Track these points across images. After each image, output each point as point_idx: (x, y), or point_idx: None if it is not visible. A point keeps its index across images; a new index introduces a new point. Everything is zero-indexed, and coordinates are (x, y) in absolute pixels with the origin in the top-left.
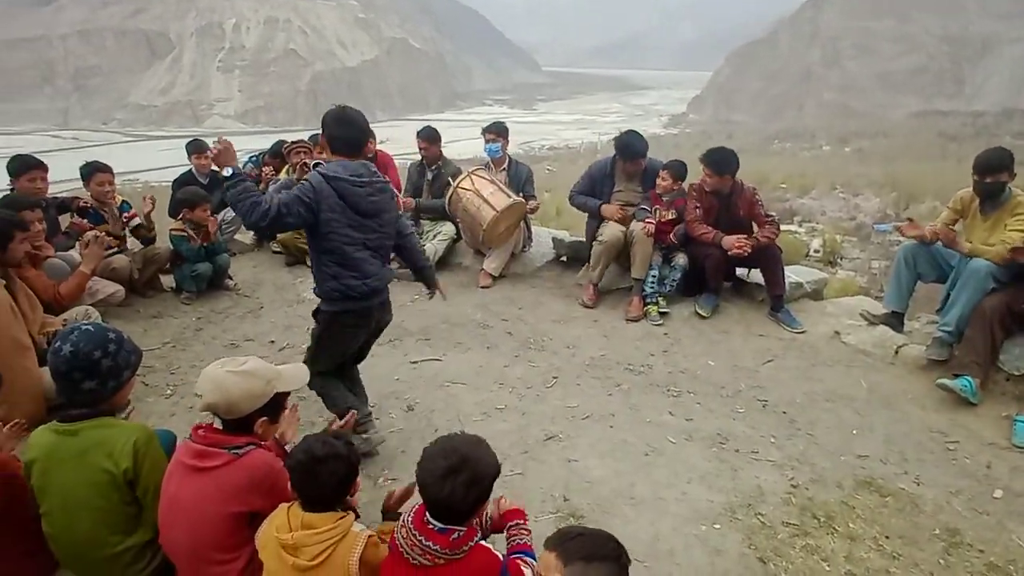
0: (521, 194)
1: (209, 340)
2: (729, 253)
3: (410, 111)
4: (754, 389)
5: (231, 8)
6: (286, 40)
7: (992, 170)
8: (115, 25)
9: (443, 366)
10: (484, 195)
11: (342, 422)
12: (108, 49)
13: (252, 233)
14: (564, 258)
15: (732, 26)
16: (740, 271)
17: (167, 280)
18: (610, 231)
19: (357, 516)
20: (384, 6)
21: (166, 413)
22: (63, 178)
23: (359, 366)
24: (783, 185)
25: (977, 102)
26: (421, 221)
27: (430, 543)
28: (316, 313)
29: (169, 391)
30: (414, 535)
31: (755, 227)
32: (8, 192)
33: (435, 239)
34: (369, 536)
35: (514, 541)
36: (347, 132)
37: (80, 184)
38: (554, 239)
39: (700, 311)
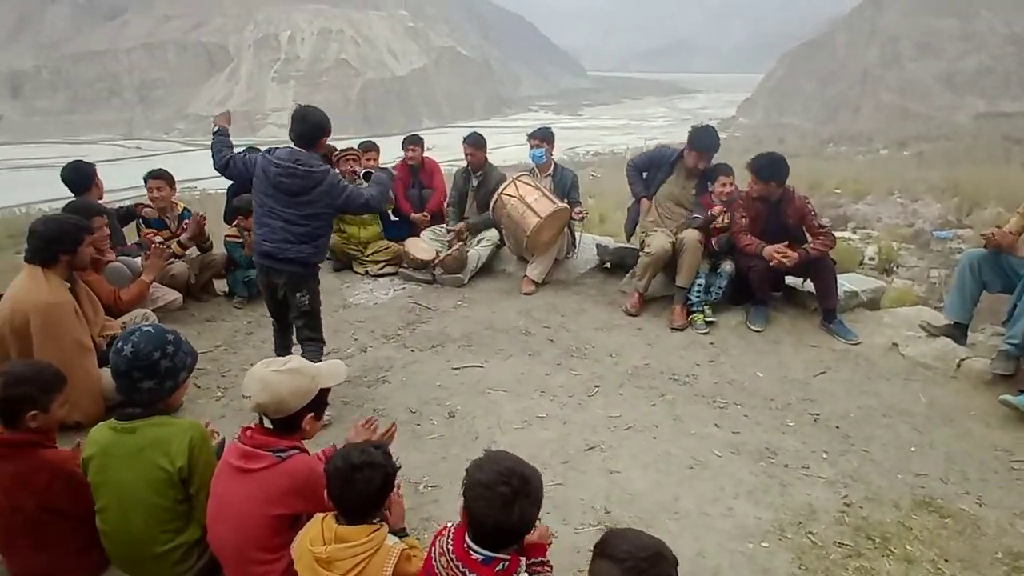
0: (566, 200)
1: (259, 344)
2: (770, 264)
3: (456, 118)
4: (805, 402)
5: (287, 20)
6: (338, 50)
7: None
8: (177, 39)
9: (484, 373)
10: (528, 201)
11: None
12: (170, 62)
13: None
14: (608, 265)
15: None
16: (791, 280)
17: (220, 284)
18: (657, 243)
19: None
20: (434, 15)
21: (216, 415)
22: (126, 186)
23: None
24: (837, 190)
25: None
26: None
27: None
28: None
29: (220, 393)
30: (456, 566)
31: (808, 237)
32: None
33: (479, 245)
34: (402, 550)
35: None
36: (299, 128)
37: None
38: (598, 246)
39: (752, 326)
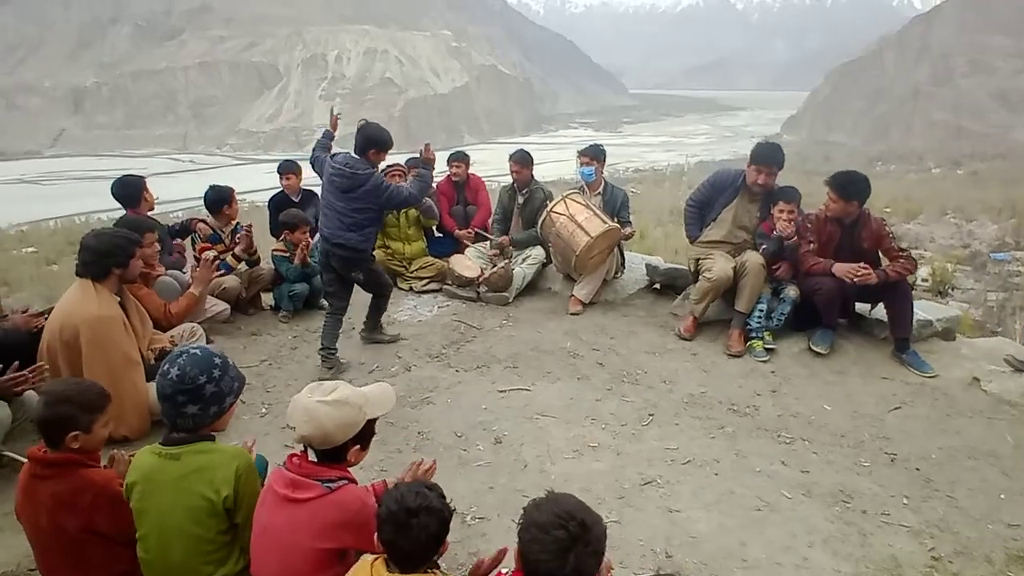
0: (616, 219)
1: (303, 359)
2: (849, 281)
3: (496, 135)
4: (880, 440)
5: (334, 40)
6: (383, 69)
7: None
8: (231, 58)
9: (532, 396)
10: (578, 220)
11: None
12: (224, 80)
13: None
14: (657, 285)
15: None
16: (861, 306)
17: (266, 298)
18: (719, 267)
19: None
20: (476, 35)
21: (260, 432)
22: (181, 197)
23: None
24: (887, 209)
25: None
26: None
27: None
28: None
29: (264, 410)
30: None
31: (883, 261)
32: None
33: (524, 263)
34: None
35: None
36: (356, 139)
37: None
38: (648, 266)
39: (816, 348)
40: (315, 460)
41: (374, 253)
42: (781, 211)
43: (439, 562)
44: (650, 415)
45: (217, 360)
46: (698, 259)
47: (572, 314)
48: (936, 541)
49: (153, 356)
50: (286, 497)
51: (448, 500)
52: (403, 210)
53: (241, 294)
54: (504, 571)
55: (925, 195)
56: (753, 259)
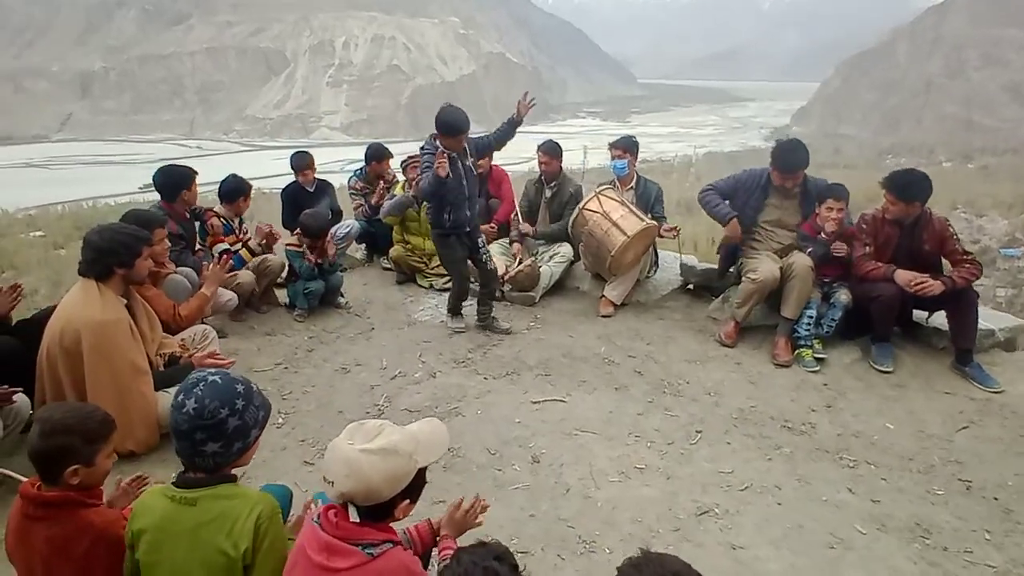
0: (650, 215)
1: (320, 363)
2: (911, 292)
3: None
4: (951, 464)
5: (342, 27)
6: (390, 56)
7: None
8: (237, 44)
9: (568, 409)
10: (614, 218)
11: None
12: (230, 66)
13: (363, 247)
14: (691, 286)
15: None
16: (919, 313)
17: (280, 295)
18: (765, 268)
19: None
20: (484, 22)
21: (277, 446)
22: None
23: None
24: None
25: None
26: (536, 241)
27: None
28: None
29: (280, 420)
30: None
31: (946, 265)
32: (153, 206)
33: (551, 261)
34: None
35: None
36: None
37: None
38: (682, 265)
39: (880, 366)
40: (356, 519)
41: (392, 249)
42: (830, 209)
43: None
44: (698, 432)
45: (239, 388)
46: (743, 262)
47: (603, 316)
48: None
49: (162, 362)
50: (321, 566)
51: (522, 570)
52: (424, 205)
53: (254, 290)
54: None
55: (935, 189)
56: (801, 261)
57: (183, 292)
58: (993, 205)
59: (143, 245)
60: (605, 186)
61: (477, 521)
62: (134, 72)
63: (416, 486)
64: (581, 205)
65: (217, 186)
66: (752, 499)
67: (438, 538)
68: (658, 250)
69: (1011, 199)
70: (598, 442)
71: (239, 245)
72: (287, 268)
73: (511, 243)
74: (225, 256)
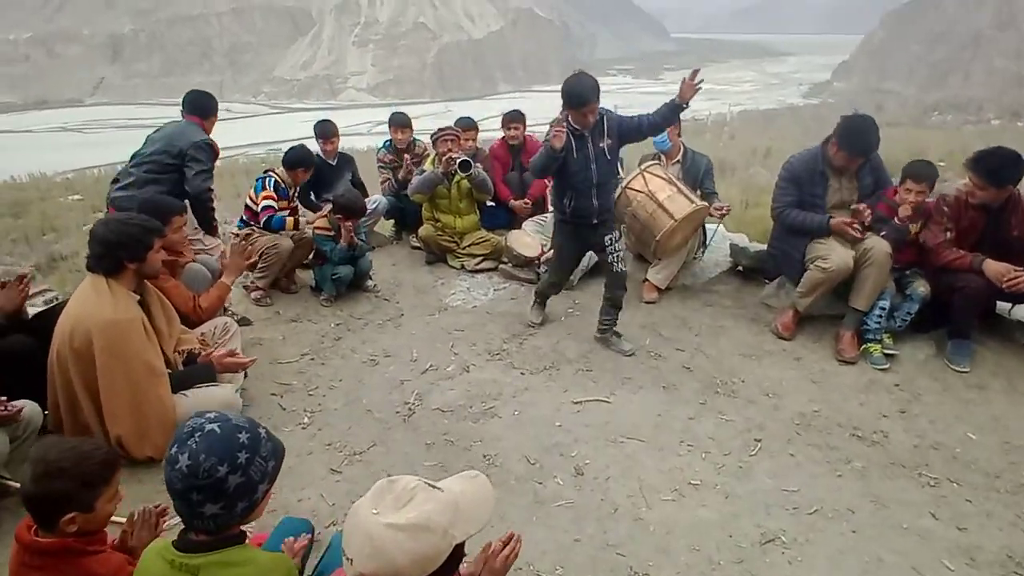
0: (699, 192)
1: (348, 353)
2: (1006, 286)
3: (532, 82)
4: None
5: None
6: (416, 14)
7: None
8: (264, 3)
9: (612, 411)
10: (660, 199)
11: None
12: (257, 26)
13: (392, 223)
14: (740, 268)
15: None
16: (1002, 305)
17: (304, 276)
18: (839, 256)
19: None
20: None
21: (303, 450)
22: (220, 146)
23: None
24: (941, 163)
25: None
26: None
27: None
28: None
29: (306, 419)
30: None
31: None
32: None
33: None
34: None
35: None
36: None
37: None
38: (732, 246)
39: (957, 366)
40: None
41: (421, 228)
42: (908, 191)
43: None
44: (756, 441)
45: (242, 438)
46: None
47: (647, 302)
48: None
49: (181, 359)
50: None
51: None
52: (455, 181)
53: (284, 265)
54: None
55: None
56: (879, 247)
57: (203, 281)
58: None
59: (155, 236)
60: (651, 162)
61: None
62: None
63: (452, 563)
64: (624, 183)
65: (276, 151)
66: (823, 525)
67: None
68: (707, 228)
69: None
70: (647, 452)
71: (286, 212)
72: (314, 251)
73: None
74: (245, 245)
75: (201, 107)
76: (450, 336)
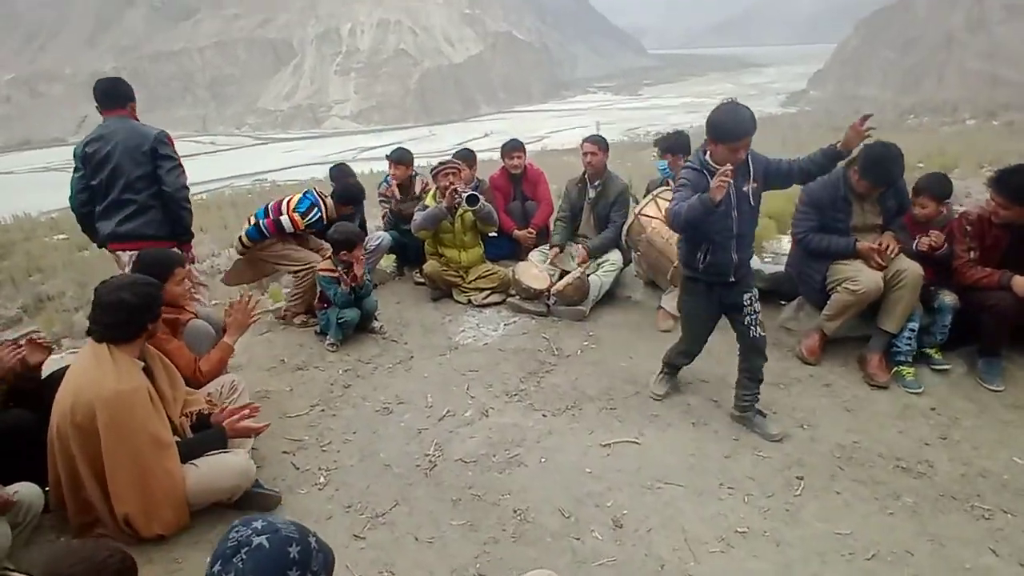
0: None
1: (359, 401)
2: None
3: (513, 103)
4: None
5: (347, 13)
6: (397, 41)
7: None
8: (246, 36)
9: (643, 453)
10: None
11: None
12: (240, 58)
13: (393, 258)
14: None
15: None
16: None
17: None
18: (869, 278)
19: None
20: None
21: (322, 515)
22: (203, 179)
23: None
24: (920, 164)
25: None
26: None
27: None
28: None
29: (322, 478)
30: None
31: None
32: None
33: (600, 270)
34: None
35: None
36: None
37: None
38: None
39: (989, 384)
40: None
41: (426, 264)
42: (923, 206)
43: None
44: (799, 479)
45: (293, 553)
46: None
47: (663, 331)
48: None
49: (189, 423)
50: None
51: None
52: (458, 214)
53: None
54: None
55: (960, 148)
56: (913, 269)
57: (206, 340)
58: (1021, 162)
59: (178, 265)
60: (662, 188)
61: None
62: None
63: None
64: (638, 210)
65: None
66: (884, 571)
67: None
68: None
69: None
70: (686, 497)
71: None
72: (318, 294)
73: (551, 248)
74: (247, 302)
75: (122, 95)
76: (464, 378)
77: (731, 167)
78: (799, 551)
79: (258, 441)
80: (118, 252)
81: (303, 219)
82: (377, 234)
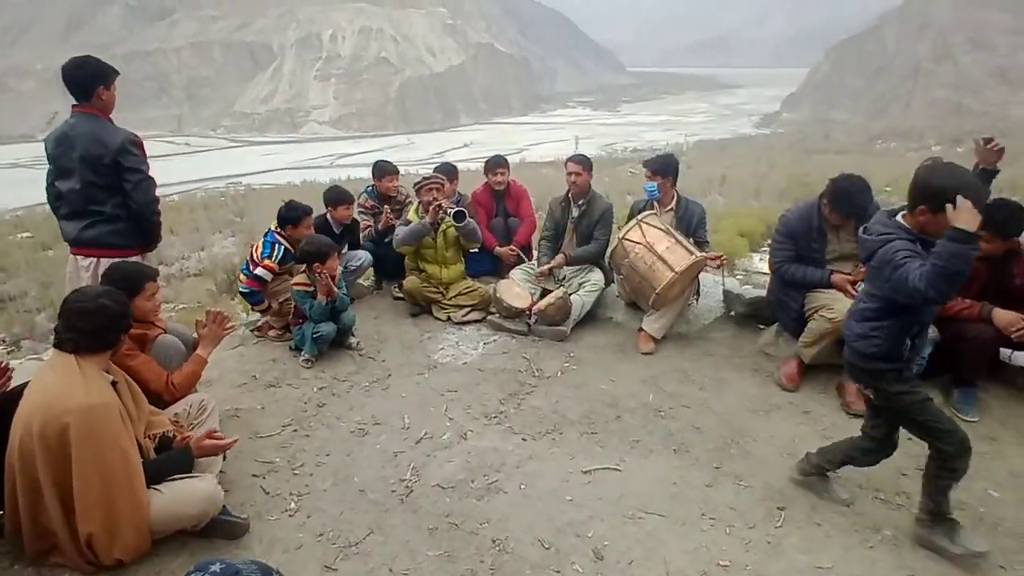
0: (691, 239)
1: (333, 421)
2: (1013, 336)
3: (494, 115)
4: None
5: (328, 19)
6: (378, 48)
7: None
8: (223, 38)
9: (624, 480)
10: (659, 251)
11: None
12: (216, 61)
13: (371, 273)
14: (733, 313)
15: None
16: (1004, 352)
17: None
18: (845, 307)
19: None
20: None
21: (292, 543)
22: (178, 180)
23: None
24: (887, 188)
25: None
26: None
27: None
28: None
29: (293, 504)
30: None
31: None
32: None
33: (582, 289)
34: None
35: None
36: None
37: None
38: (726, 292)
39: (965, 416)
40: None
41: (406, 278)
42: None
43: None
44: (780, 509)
45: None
46: (812, 297)
47: (644, 353)
48: None
49: (153, 446)
50: None
51: None
52: (440, 230)
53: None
54: None
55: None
56: None
57: (176, 355)
58: None
59: (149, 281)
60: (647, 212)
61: None
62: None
63: None
64: (622, 235)
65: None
66: None
67: None
68: (700, 277)
69: (1000, 183)
70: (668, 528)
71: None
72: (293, 309)
73: (539, 268)
74: (221, 315)
75: (90, 80)
76: (443, 398)
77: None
78: None
79: (226, 463)
80: (78, 256)
81: (273, 261)
82: (359, 253)
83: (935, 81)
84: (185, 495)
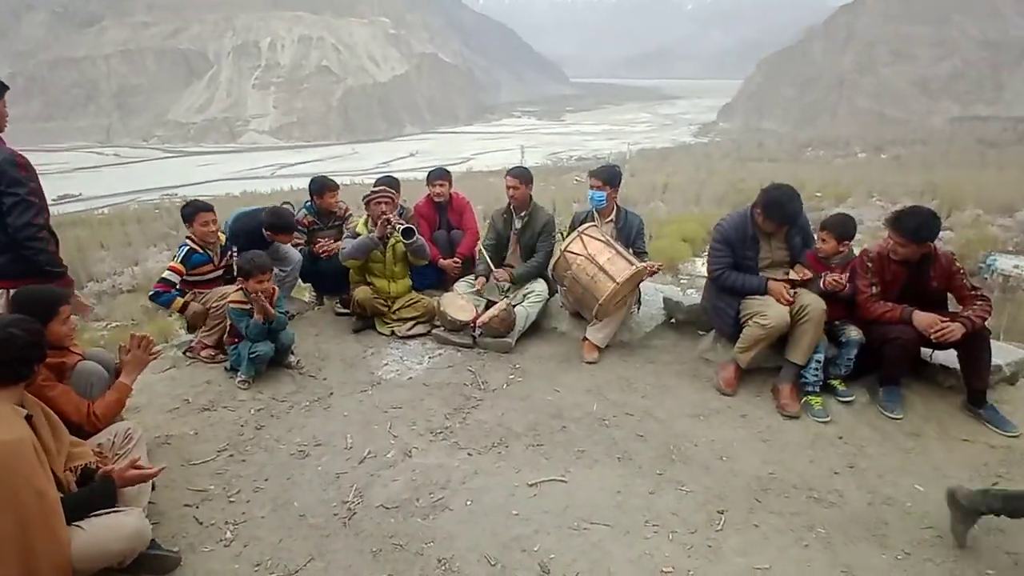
0: (631, 250)
1: (272, 445)
2: (932, 337)
3: (439, 124)
4: (996, 535)
5: (267, 27)
6: (319, 57)
7: None
8: (155, 45)
9: (569, 491)
10: (600, 262)
11: None
12: (148, 68)
13: (310, 287)
14: (673, 320)
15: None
16: (924, 351)
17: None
18: (777, 313)
19: None
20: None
21: (227, 574)
22: (106, 192)
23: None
24: (818, 194)
25: (1017, 107)
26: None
27: None
28: None
29: (229, 533)
30: None
31: (954, 303)
32: None
33: (526, 301)
34: None
35: None
36: None
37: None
38: (666, 300)
39: (890, 413)
40: None
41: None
42: (824, 240)
43: None
44: (719, 512)
45: None
46: (748, 304)
47: (588, 363)
48: None
49: (74, 478)
50: None
51: None
52: (389, 244)
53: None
54: None
55: (852, 179)
56: (816, 305)
57: (98, 382)
58: (905, 193)
59: (63, 304)
60: (588, 224)
61: None
62: (44, 77)
63: None
64: (563, 247)
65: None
66: None
67: None
68: (640, 285)
69: (921, 187)
70: (613, 537)
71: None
72: (228, 328)
73: (476, 278)
74: (146, 340)
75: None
76: (386, 415)
77: None
78: None
79: (156, 493)
80: None
81: (180, 263)
82: (290, 254)
83: (859, 92)
84: (109, 531)
